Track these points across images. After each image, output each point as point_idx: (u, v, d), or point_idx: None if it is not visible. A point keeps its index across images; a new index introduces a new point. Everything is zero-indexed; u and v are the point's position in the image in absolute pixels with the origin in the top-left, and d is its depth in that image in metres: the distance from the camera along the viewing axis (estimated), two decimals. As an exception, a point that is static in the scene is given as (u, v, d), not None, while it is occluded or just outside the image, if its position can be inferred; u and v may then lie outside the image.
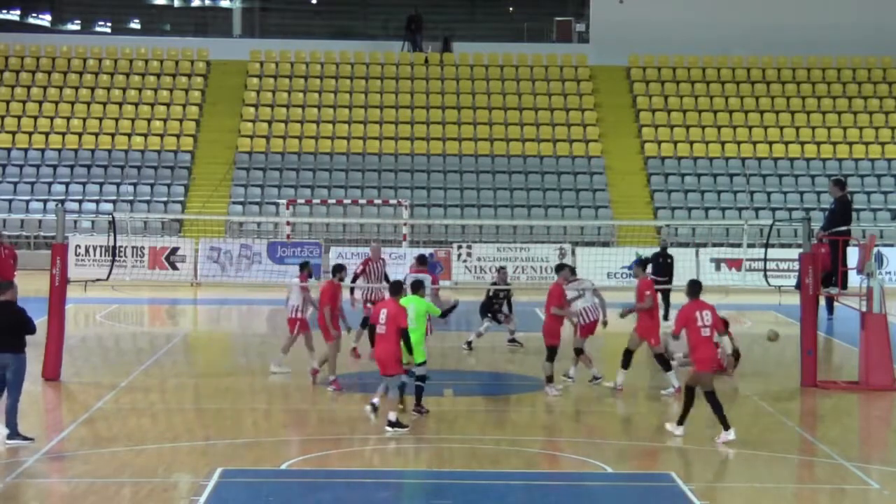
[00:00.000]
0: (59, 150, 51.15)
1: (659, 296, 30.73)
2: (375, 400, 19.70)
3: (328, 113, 53.26)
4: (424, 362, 20.79)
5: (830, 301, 33.07)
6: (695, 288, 19.62)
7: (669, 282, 31.70)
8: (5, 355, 18.31)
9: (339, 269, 23.60)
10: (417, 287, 21.02)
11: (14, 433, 18.31)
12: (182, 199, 49.21)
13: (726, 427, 18.99)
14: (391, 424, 19.51)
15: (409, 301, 20.60)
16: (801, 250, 25.06)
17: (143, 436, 19.23)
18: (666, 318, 31.82)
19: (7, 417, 18.31)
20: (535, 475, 17.42)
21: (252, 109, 53.22)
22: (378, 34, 59.62)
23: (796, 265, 31.45)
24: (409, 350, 20.14)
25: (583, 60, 55.66)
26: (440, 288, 29.93)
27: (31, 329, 18.57)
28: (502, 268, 30.17)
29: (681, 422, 19.37)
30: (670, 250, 34.79)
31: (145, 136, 51.73)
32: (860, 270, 24.19)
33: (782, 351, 30.07)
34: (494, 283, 29.16)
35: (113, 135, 51.68)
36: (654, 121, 53.06)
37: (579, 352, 23.75)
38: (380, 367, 19.83)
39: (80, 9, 63.55)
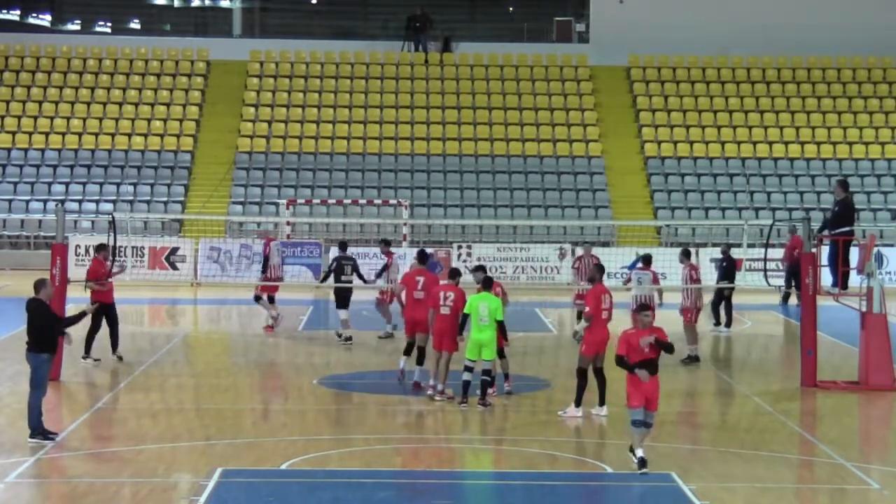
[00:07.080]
0: (59, 150, 51.10)
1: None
2: (640, 453, 17.21)
3: (328, 113, 53.24)
4: (493, 360, 21.46)
5: (788, 295, 37.10)
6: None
7: (731, 281, 31.26)
8: (27, 354, 18.67)
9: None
10: (489, 283, 21.52)
11: (36, 431, 18.40)
12: (182, 199, 49.18)
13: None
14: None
15: (482, 298, 21.20)
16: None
17: (143, 436, 19.23)
18: (728, 325, 32.17)
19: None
20: (535, 475, 17.41)
21: (252, 109, 53.19)
22: (378, 34, 59.55)
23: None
24: (505, 337, 21.53)
25: (583, 60, 55.62)
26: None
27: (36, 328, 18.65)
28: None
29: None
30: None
31: (145, 136, 51.68)
32: (860, 270, 24.20)
33: (782, 351, 30.11)
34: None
35: (113, 135, 51.64)
36: (654, 121, 53.03)
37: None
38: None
39: (80, 9, 63.44)
